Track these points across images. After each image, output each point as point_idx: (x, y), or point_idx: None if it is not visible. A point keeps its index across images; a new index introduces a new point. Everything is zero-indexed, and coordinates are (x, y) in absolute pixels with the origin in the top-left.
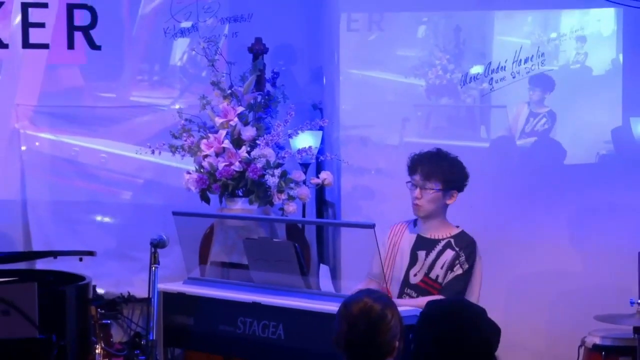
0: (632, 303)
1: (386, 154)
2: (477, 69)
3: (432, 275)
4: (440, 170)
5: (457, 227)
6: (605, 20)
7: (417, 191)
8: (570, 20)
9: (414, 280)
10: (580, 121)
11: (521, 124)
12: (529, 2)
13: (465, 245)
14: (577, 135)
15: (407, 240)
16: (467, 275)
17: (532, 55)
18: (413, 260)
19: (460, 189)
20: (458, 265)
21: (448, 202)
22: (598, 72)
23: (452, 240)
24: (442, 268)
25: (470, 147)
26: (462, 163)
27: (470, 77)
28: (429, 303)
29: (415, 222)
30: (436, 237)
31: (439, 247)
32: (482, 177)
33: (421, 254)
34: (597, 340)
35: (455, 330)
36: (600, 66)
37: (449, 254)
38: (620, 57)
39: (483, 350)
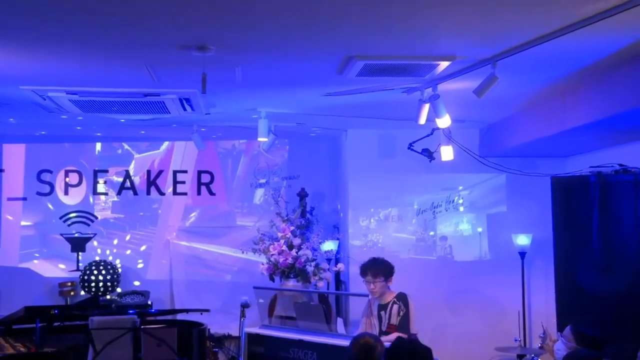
0: (516, 340)
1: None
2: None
3: (392, 322)
4: (380, 269)
5: (395, 292)
6: (493, 180)
7: (372, 285)
8: (471, 179)
9: (384, 328)
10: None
11: (441, 249)
12: (451, 168)
13: (401, 299)
14: (480, 245)
15: (376, 308)
16: (407, 314)
17: (455, 199)
18: (380, 319)
19: (392, 274)
20: (401, 311)
21: (389, 284)
22: (485, 211)
23: (394, 299)
24: (394, 316)
25: (427, 260)
26: (388, 261)
27: (423, 215)
28: (395, 340)
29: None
30: (387, 302)
31: (389, 307)
32: (431, 273)
33: (382, 313)
34: None
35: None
36: (482, 209)
37: (395, 308)
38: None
39: None
